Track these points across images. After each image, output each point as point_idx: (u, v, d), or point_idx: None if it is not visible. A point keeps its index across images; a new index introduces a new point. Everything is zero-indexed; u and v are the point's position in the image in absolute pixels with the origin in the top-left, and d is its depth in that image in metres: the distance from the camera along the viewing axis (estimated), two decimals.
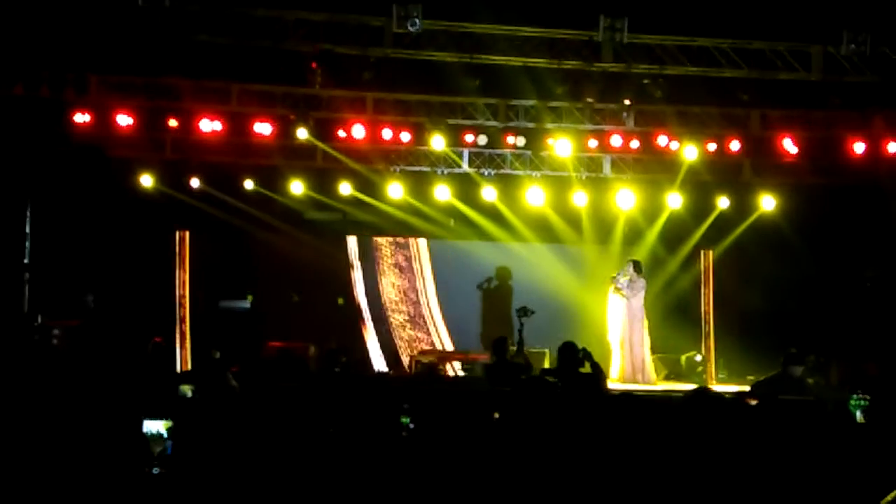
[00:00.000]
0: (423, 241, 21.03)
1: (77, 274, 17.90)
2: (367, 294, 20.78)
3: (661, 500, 4.60)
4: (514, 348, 16.69)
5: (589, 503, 4.87)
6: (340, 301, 20.52)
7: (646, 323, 18.28)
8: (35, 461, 5.93)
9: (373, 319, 20.68)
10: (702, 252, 20.46)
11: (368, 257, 20.92)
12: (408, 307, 20.87)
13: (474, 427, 6.30)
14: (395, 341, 20.60)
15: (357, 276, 20.78)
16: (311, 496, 5.92)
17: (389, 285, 20.91)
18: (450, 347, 20.47)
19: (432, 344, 20.59)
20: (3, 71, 16.58)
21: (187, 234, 19.62)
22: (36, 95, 17.16)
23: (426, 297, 20.92)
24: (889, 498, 4.39)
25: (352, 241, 20.88)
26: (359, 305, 20.71)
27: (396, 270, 20.97)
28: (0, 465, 5.81)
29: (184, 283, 19.52)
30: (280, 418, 7.14)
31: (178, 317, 19.34)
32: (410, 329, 20.75)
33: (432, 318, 20.82)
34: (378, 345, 20.30)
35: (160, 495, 5.82)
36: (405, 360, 20.03)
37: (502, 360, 13.78)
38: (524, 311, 16.81)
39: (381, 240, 20.97)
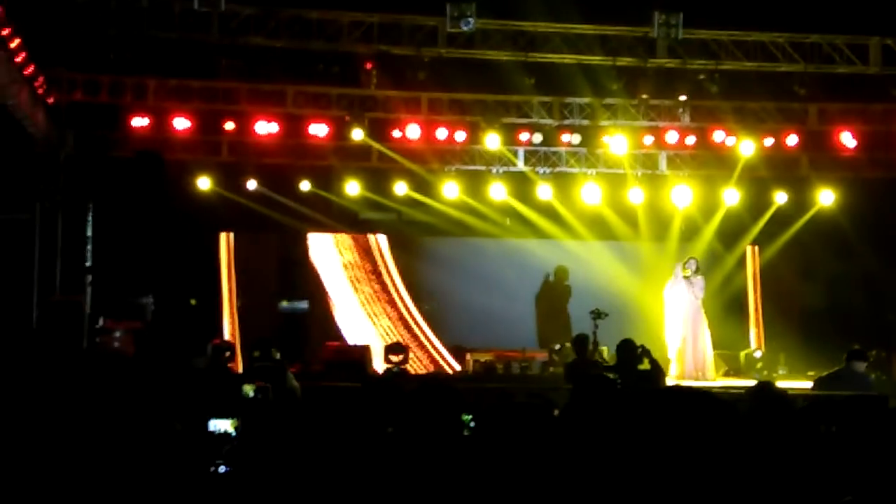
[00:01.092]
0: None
1: (137, 276, 18.09)
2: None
3: (725, 496, 4.59)
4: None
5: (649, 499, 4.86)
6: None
7: (705, 319, 18.17)
8: (98, 460, 6.01)
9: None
10: (748, 248, 20.37)
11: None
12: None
13: (535, 424, 6.29)
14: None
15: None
16: (372, 495, 5.96)
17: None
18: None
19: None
20: (63, 77, 16.80)
21: (231, 235, 19.82)
22: (95, 101, 17.40)
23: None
24: None
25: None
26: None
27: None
28: (63, 463, 5.90)
29: (231, 283, 19.73)
30: (339, 418, 7.18)
31: (227, 317, 19.57)
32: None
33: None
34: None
35: (225, 493, 5.88)
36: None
37: (583, 358, 13.68)
38: (598, 314, 16.72)
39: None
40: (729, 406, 3.47)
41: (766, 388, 5.98)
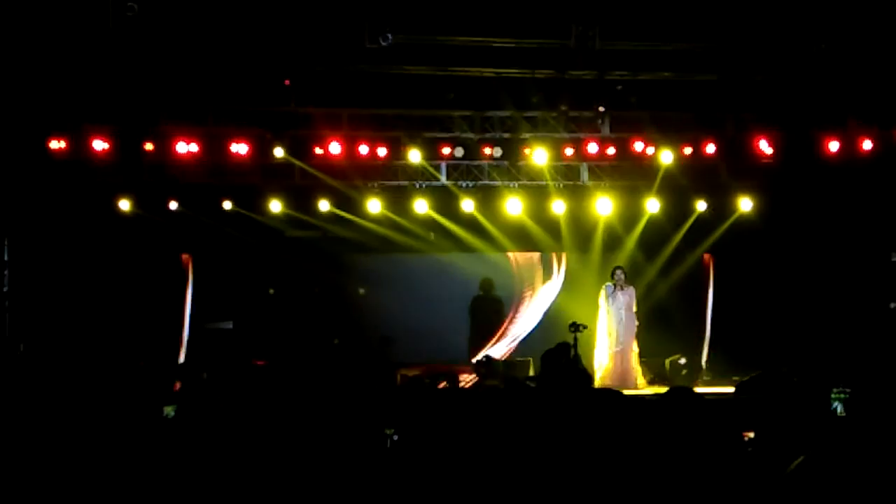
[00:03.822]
0: None
1: (57, 301, 17.83)
2: None
3: (638, 497, 4.64)
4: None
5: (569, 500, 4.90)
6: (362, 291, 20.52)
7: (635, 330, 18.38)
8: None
9: None
10: (705, 257, 20.51)
11: None
12: None
13: (459, 433, 6.33)
14: None
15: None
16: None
17: None
18: None
19: None
20: None
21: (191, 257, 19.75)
22: (11, 122, 17.14)
23: None
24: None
25: None
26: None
27: None
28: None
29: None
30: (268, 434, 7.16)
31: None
32: None
33: None
34: None
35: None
36: None
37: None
38: (576, 327, 16.65)
39: None
40: (639, 401, 3.52)
41: (680, 391, 6.04)
